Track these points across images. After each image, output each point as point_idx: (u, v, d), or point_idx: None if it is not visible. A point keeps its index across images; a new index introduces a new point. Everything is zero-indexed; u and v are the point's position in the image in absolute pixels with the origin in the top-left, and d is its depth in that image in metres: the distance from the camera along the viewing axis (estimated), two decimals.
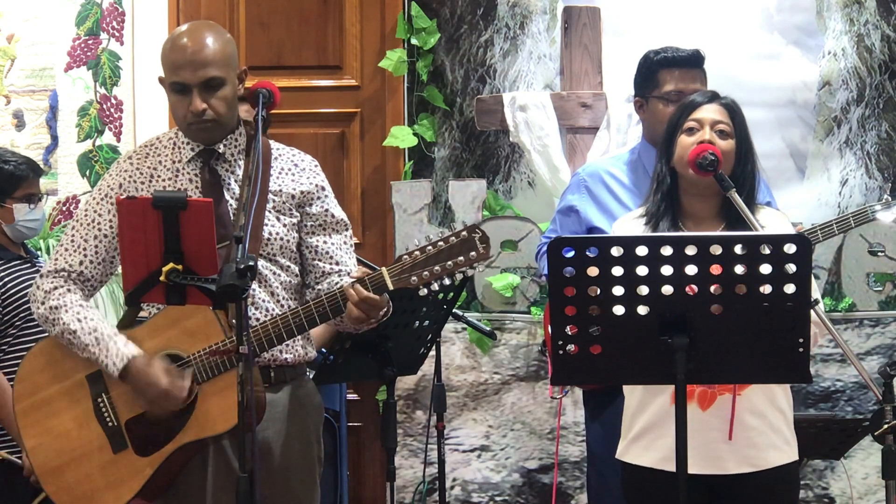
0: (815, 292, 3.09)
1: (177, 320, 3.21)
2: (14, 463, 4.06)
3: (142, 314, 3.34)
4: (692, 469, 2.85)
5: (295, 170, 3.35)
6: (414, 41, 5.27)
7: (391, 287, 3.11)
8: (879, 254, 4.88)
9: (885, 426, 3.58)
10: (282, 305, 3.28)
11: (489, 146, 5.31)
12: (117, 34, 5.43)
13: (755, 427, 3.20)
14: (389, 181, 5.27)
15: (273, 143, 3.40)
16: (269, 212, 3.28)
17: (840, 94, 5.07)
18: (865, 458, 5.00)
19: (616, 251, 2.79)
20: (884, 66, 5.05)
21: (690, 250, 2.78)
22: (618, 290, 2.81)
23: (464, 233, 3.09)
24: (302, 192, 3.33)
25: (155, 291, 3.12)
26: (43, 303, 3.27)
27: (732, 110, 3.33)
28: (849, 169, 5.08)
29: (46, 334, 3.35)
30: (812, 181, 5.10)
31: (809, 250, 2.82)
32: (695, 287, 2.80)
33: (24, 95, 5.46)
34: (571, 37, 5.15)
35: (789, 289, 2.78)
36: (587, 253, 2.81)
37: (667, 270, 2.79)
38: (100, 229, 3.30)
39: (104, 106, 5.43)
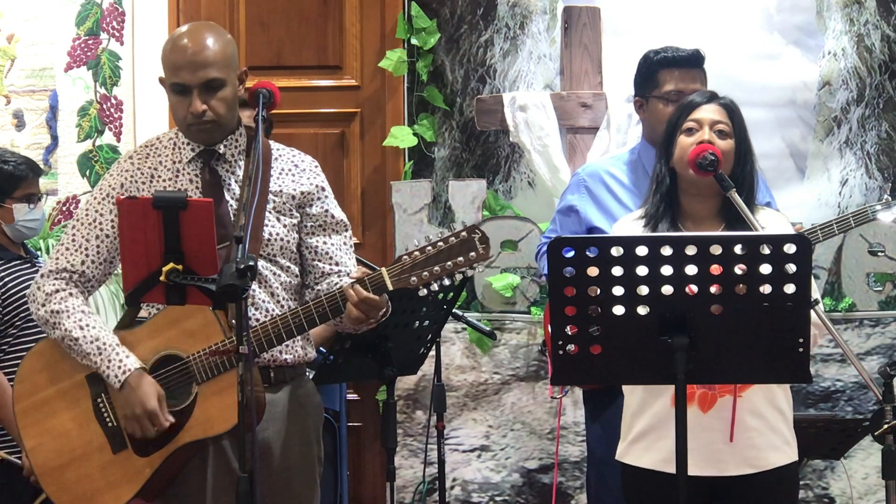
0: (815, 292, 3.08)
1: (177, 320, 3.21)
2: (14, 463, 4.05)
3: (142, 314, 3.34)
4: (692, 470, 2.85)
5: (295, 170, 3.35)
6: (414, 41, 5.27)
7: (391, 287, 3.11)
8: (879, 254, 4.88)
9: (885, 426, 3.58)
10: (282, 306, 3.28)
11: (489, 146, 5.31)
12: (117, 34, 5.43)
13: (755, 428, 3.20)
14: (389, 181, 5.27)
15: (273, 144, 3.40)
16: (270, 212, 3.28)
17: (840, 94, 5.07)
18: (865, 458, 5.00)
19: (616, 251, 2.79)
20: (884, 66, 5.05)
21: (690, 250, 2.78)
22: (618, 290, 2.81)
23: (463, 233, 3.09)
24: (302, 193, 3.33)
25: (155, 291, 3.12)
26: (43, 305, 3.27)
27: (731, 110, 3.33)
28: (849, 169, 5.08)
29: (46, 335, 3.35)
30: (812, 181, 5.10)
31: (809, 250, 2.82)
32: (695, 287, 2.80)
33: (24, 95, 5.46)
34: (571, 37, 5.15)
35: (789, 289, 2.78)
36: (587, 253, 2.81)
37: (667, 270, 2.79)
38: (101, 229, 3.30)
39: (104, 106, 5.43)
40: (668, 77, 3.93)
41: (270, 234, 3.27)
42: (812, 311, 2.92)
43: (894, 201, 4.40)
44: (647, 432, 3.24)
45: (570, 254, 2.82)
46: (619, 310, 2.82)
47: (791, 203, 4.77)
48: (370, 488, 5.35)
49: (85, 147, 5.44)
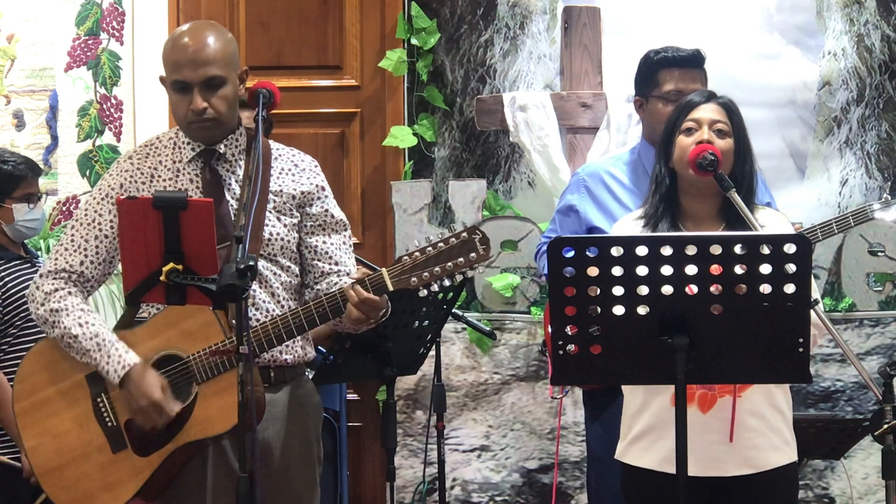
0: (815, 292, 3.08)
1: (177, 320, 3.21)
2: (14, 466, 4.05)
3: (141, 314, 3.34)
4: (692, 471, 2.85)
5: (295, 170, 3.35)
6: (414, 41, 5.27)
7: (391, 288, 3.11)
8: (879, 254, 4.88)
9: (885, 426, 3.58)
10: (282, 306, 3.28)
11: (489, 146, 5.31)
12: (117, 34, 5.43)
13: (755, 428, 3.20)
14: (389, 181, 5.27)
15: (273, 144, 3.40)
16: (270, 212, 3.28)
17: (840, 94, 5.07)
18: (865, 458, 5.00)
19: (616, 251, 2.79)
20: (884, 66, 5.05)
21: (690, 250, 2.78)
22: (618, 290, 2.81)
23: (464, 234, 3.09)
24: (302, 193, 3.33)
25: (155, 291, 3.12)
26: (43, 304, 3.27)
27: (730, 109, 3.33)
28: (849, 169, 5.08)
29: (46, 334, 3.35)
30: (812, 181, 5.10)
31: (809, 250, 2.82)
32: (695, 287, 2.80)
33: (24, 95, 5.46)
34: (571, 37, 5.15)
35: (789, 289, 2.78)
36: (587, 253, 2.81)
37: (667, 270, 2.79)
38: (100, 229, 3.30)
39: (104, 106, 5.43)
40: (667, 77, 3.93)
41: (271, 234, 3.27)
42: (812, 311, 2.92)
43: (894, 200, 4.40)
44: (646, 432, 3.24)
45: (570, 254, 2.82)
46: (619, 310, 2.82)
47: (791, 203, 4.77)
48: (370, 488, 5.35)
49: (85, 147, 5.44)
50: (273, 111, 3.44)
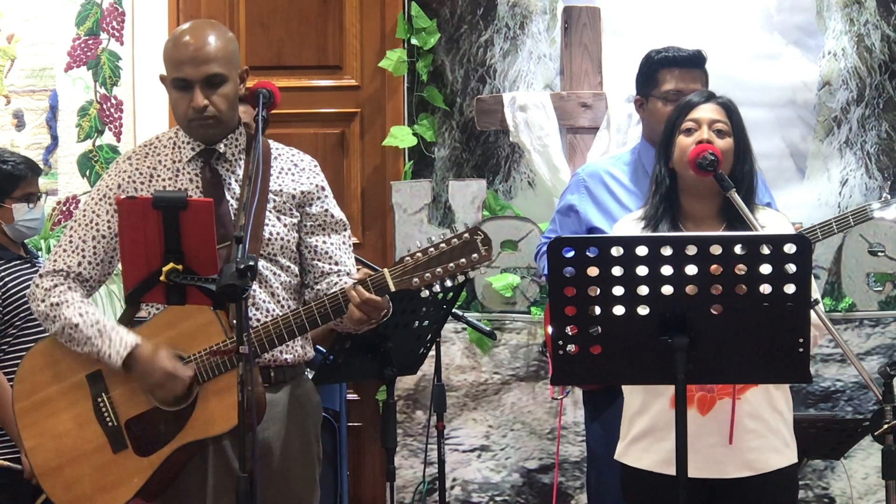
0: (815, 292, 3.08)
1: (177, 321, 3.21)
2: (14, 468, 4.05)
3: (141, 314, 3.34)
4: (692, 473, 2.84)
5: (295, 170, 3.35)
6: (414, 41, 5.27)
7: (393, 289, 3.11)
8: (879, 254, 4.88)
9: (885, 426, 3.57)
10: (282, 306, 3.28)
11: (489, 146, 5.31)
12: (117, 34, 5.43)
13: (754, 430, 3.20)
14: (389, 181, 5.27)
15: (272, 143, 3.40)
16: (270, 212, 3.28)
17: (840, 94, 5.07)
18: (865, 458, 5.00)
19: (616, 251, 2.79)
20: (884, 66, 5.05)
21: (690, 250, 2.78)
22: (618, 290, 2.81)
23: (466, 234, 3.10)
24: (302, 193, 3.33)
25: (155, 291, 3.12)
26: (43, 300, 3.27)
27: (729, 109, 3.33)
28: (849, 169, 5.08)
29: (46, 334, 3.35)
30: (812, 181, 5.10)
31: (809, 250, 2.82)
32: (695, 287, 2.80)
33: (24, 95, 5.46)
34: (571, 37, 5.15)
35: (789, 289, 2.78)
36: (587, 253, 2.81)
37: (667, 270, 2.79)
38: (98, 230, 3.30)
39: (104, 106, 5.43)
40: (668, 76, 3.94)
41: (271, 234, 3.27)
42: (812, 312, 2.92)
43: (893, 199, 4.40)
44: (646, 433, 3.24)
45: (570, 254, 2.81)
46: (619, 310, 2.82)
47: (791, 203, 4.77)
48: (370, 488, 5.35)
49: (85, 147, 5.44)
50: (273, 111, 3.44)
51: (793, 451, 3.28)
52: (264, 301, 3.26)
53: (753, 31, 5.10)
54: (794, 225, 3.64)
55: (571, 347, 2.87)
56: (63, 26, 5.42)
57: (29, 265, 4.24)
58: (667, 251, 2.78)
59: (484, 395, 5.26)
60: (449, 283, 3.11)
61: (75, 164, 5.44)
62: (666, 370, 2.80)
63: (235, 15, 5.41)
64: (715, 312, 2.81)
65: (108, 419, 3.23)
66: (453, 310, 4.11)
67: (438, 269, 3.09)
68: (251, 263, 2.85)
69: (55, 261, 3.31)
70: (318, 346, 3.94)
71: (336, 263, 3.34)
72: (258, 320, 3.21)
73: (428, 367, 4.32)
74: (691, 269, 2.79)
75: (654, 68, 3.97)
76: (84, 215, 3.33)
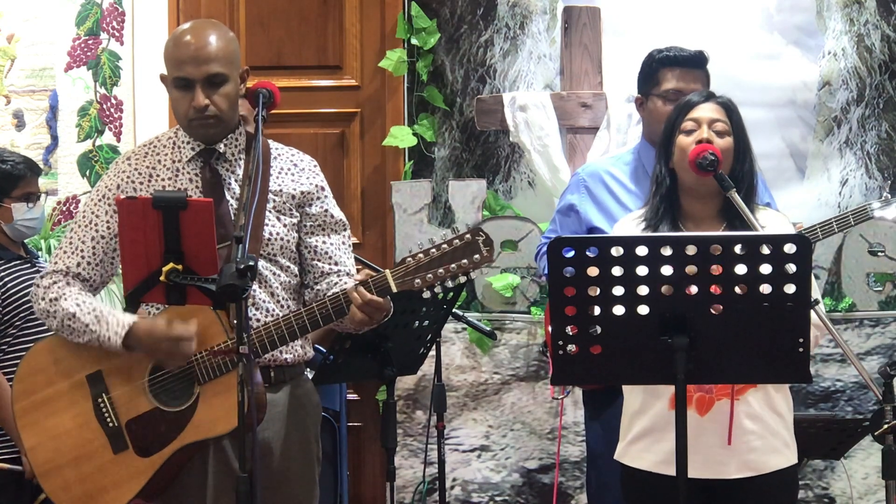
0: (816, 292, 3.08)
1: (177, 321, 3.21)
2: (14, 470, 4.04)
3: (141, 314, 3.34)
4: (692, 473, 2.84)
5: (294, 170, 3.35)
6: (414, 41, 5.27)
7: (395, 290, 3.11)
8: (879, 254, 4.88)
9: (885, 426, 3.58)
10: (282, 306, 3.28)
11: (489, 146, 5.31)
12: (117, 34, 5.43)
13: (754, 431, 3.19)
14: (389, 181, 5.27)
15: (272, 143, 3.40)
16: (270, 212, 3.28)
17: (840, 94, 5.07)
18: (865, 458, 5.00)
19: (616, 251, 2.79)
20: (884, 66, 5.05)
21: (690, 250, 2.78)
22: (618, 290, 2.81)
23: (467, 235, 3.10)
24: (302, 193, 3.33)
25: (155, 291, 3.12)
26: (43, 298, 3.27)
27: (729, 108, 3.33)
28: (849, 169, 5.08)
29: (47, 334, 3.35)
30: (812, 181, 5.10)
31: (809, 250, 2.82)
32: (695, 287, 2.80)
33: (24, 95, 5.46)
34: (571, 37, 5.15)
35: (789, 289, 2.78)
36: (587, 253, 2.81)
37: (667, 270, 2.79)
38: (97, 230, 3.30)
39: (104, 106, 5.44)
40: (668, 75, 3.94)
41: (270, 234, 3.27)
42: (812, 312, 2.92)
43: (893, 199, 4.39)
44: (645, 434, 3.24)
45: (570, 254, 2.81)
46: (619, 310, 2.82)
47: (791, 203, 4.77)
48: (370, 488, 5.35)
49: (85, 147, 5.44)
50: (273, 111, 3.43)
51: (793, 452, 3.28)
52: (264, 301, 3.26)
53: (753, 31, 5.10)
54: (794, 225, 3.64)
55: (571, 347, 2.86)
56: (63, 26, 5.42)
57: (29, 265, 4.24)
58: (667, 251, 2.78)
59: (484, 395, 5.26)
60: (450, 284, 3.11)
61: (75, 164, 5.44)
62: (666, 370, 2.80)
63: (235, 15, 5.41)
64: (715, 312, 2.81)
65: (108, 419, 3.23)
66: (453, 310, 4.11)
67: (440, 270, 3.09)
68: (251, 263, 2.85)
69: (56, 262, 3.31)
70: (318, 346, 3.95)
71: (336, 264, 3.34)
72: (258, 320, 3.21)
73: (428, 367, 4.32)
74: (691, 269, 2.79)
75: (655, 67, 3.98)
76: (84, 216, 3.33)
